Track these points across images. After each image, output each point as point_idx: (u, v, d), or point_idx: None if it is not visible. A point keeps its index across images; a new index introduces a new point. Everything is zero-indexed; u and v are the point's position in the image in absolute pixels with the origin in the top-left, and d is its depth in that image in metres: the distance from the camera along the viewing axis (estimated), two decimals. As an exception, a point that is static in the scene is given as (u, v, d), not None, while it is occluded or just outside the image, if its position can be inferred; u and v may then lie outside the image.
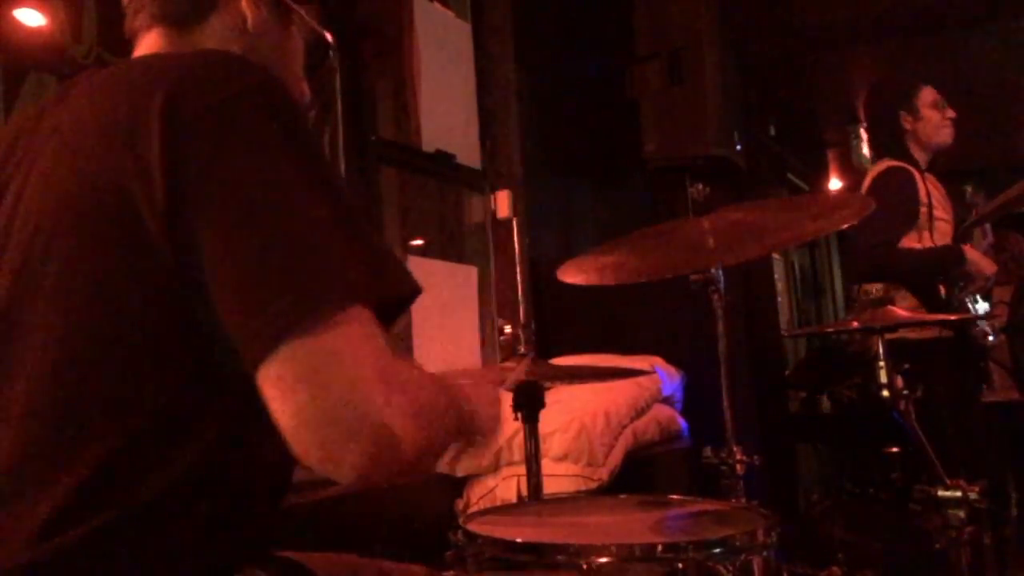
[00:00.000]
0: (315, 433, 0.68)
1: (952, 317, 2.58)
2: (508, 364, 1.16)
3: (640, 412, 2.58)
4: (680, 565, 0.97)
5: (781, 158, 6.42)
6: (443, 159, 2.96)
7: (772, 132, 5.75)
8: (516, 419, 1.54)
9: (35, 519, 0.71)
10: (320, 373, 0.68)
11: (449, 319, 2.85)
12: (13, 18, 1.80)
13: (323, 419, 0.67)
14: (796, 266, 7.41)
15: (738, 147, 3.84)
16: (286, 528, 0.89)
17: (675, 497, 1.30)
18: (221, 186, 0.71)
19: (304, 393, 0.67)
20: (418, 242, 2.92)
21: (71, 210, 0.76)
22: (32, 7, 1.83)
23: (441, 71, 2.97)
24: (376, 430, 0.68)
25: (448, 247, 3.06)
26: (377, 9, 2.84)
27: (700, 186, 1.69)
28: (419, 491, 2.16)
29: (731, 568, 0.97)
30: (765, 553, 1.02)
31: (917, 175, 2.77)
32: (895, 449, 3.01)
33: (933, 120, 2.84)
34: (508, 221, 3.15)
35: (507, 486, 2.25)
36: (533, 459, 1.57)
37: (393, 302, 0.78)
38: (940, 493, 1.64)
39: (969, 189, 2.90)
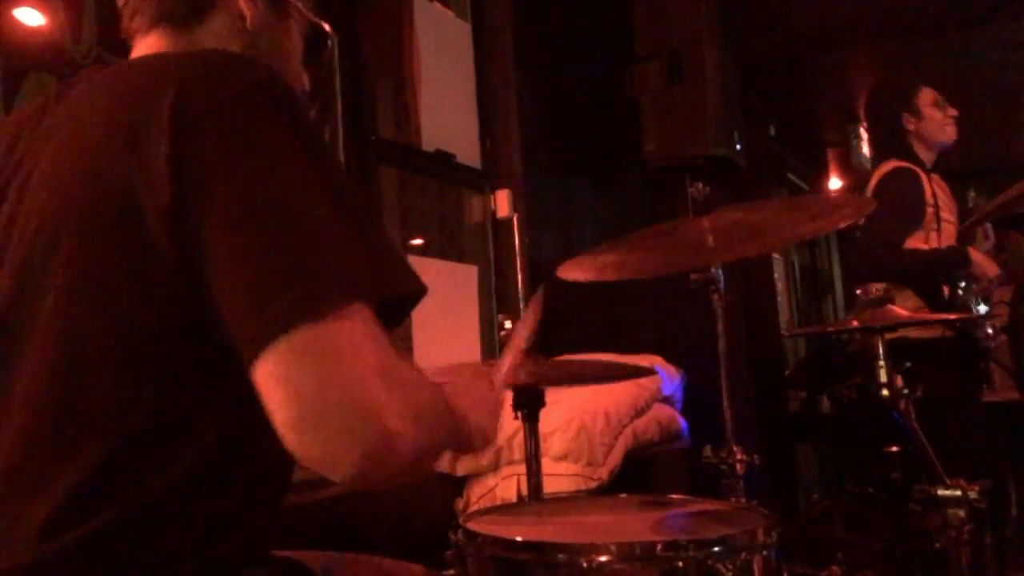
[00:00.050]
0: (312, 430, 0.67)
1: (952, 317, 2.59)
2: (504, 360, 1.14)
3: (640, 412, 2.58)
4: (680, 564, 0.97)
5: (781, 158, 6.42)
6: (443, 159, 2.96)
7: (772, 132, 5.74)
8: (516, 418, 1.54)
9: (35, 519, 0.71)
10: (319, 369, 0.67)
11: (449, 319, 2.85)
12: (13, 18, 1.80)
13: (320, 416, 0.67)
14: (796, 266, 7.41)
15: (738, 147, 3.84)
16: (286, 528, 0.89)
17: (675, 497, 1.30)
18: (224, 184, 0.71)
19: (302, 389, 0.67)
20: (418, 242, 2.92)
21: (73, 210, 0.75)
22: (32, 7, 1.83)
23: (441, 71, 2.97)
24: (374, 429, 0.68)
25: (448, 247, 3.05)
26: (377, 9, 2.84)
27: (700, 186, 1.69)
28: (419, 490, 2.16)
29: (731, 567, 0.97)
30: (765, 553, 1.02)
31: (923, 176, 2.78)
32: (895, 449, 3.01)
33: (936, 119, 2.86)
34: (508, 220, 3.15)
35: (507, 485, 2.25)
36: (533, 458, 1.57)
37: (397, 301, 0.78)
38: (940, 493, 1.64)
39: (972, 194, 2.90)
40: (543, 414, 1.57)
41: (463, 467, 2.30)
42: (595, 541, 0.99)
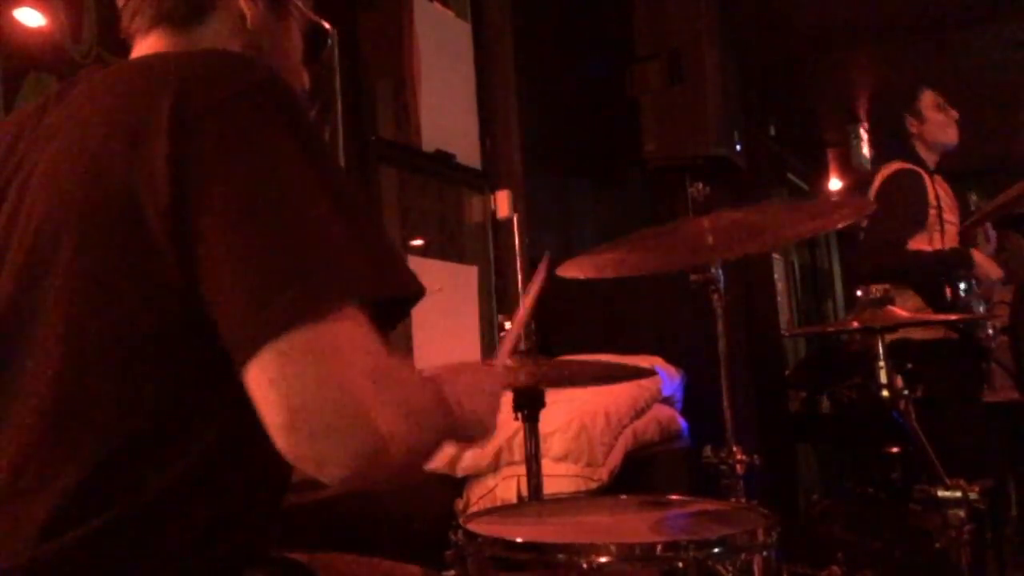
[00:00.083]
0: (302, 431, 0.67)
1: (952, 317, 2.59)
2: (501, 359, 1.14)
3: (640, 412, 2.58)
4: (680, 564, 0.97)
5: (781, 158, 6.42)
6: (443, 159, 2.96)
7: (772, 132, 5.74)
8: (516, 419, 1.54)
9: (35, 519, 0.71)
10: (310, 370, 0.67)
11: (449, 319, 2.85)
12: (13, 18, 1.80)
13: (311, 417, 0.67)
14: (796, 266, 7.41)
15: (738, 147, 3.84)
16: (286, 528, 0.89)
17: (675, 497, 1.30)
18: (224, 184, 0.71)
19: (293, 390, 0.67)
20: (418, 242, 2.92)
21: (74, 209, 0.75)
22: (32, 7, 1.83)
23: (441, 71, 2.97)
24: (365, 430, 0.68)
25: (448, 247, 3.05)
26: (377, 9, 2.84)
27: (700, 186, 1.69)
28: (419, 491, 2.16)
29: (731, 567, 0.97)
30: (765, 553, 1.03)
31: (926, 177, 2.79)
32: (895, 449, 3.01)
33: (938, 121, 2.87)
34: (508, 221, 3.15)
35: (507, 486, 2.25)
36: (533, 459, 1.57)
37: (395, 302, 0.78)
38: (940, 493, 1.64)
39: (974, 196, 2.91)
40: (543, 415, 1.57)
41: (463, 468, 2.30)
42: (595, 541, 0.99)
